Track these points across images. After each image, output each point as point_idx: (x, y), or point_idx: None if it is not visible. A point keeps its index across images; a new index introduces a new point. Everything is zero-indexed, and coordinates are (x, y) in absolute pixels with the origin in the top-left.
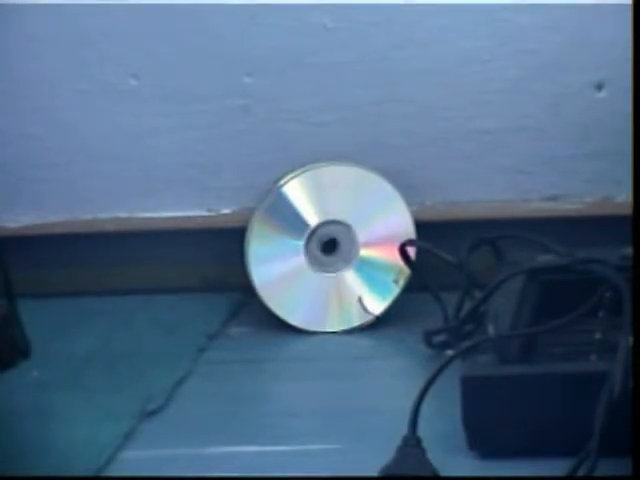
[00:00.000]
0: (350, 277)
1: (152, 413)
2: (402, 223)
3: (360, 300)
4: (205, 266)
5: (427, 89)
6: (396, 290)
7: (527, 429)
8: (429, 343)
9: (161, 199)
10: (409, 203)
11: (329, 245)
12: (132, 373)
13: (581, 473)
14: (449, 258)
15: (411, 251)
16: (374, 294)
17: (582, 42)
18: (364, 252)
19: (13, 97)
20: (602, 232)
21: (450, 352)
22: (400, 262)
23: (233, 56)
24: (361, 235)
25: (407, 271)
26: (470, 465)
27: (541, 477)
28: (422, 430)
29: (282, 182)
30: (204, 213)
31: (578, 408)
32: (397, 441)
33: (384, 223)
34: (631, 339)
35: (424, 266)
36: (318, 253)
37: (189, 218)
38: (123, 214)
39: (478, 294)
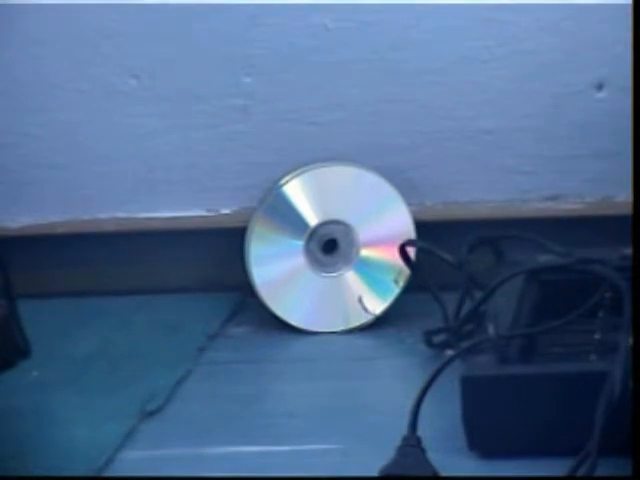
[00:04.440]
0: (350, 277)
1: (152, 413)
2: (402, 223)
3: (360, 300)
4: (205, 266)
5: (427, 89)
6: (396, 290)
7: (527, 429)
8: (429, 343)
9: (161, 199)
10: (409, 203)
11: (329, 245)
12: (132, 373)
13: (581, 473)
14: (449, 258)
15: (411, 251)
16: (374, 294)
17: (582, 42)
18: (364, 252)
19: (13, 97)
20: (602, 232)
21: (450, 352)
22: (400, 262)
23: (233, 56)
24: (361, 235)
25: (407, 271)
26: (470, 465)
27: (541, 477)
28: (422, 430)
29: (282, 182)
30: (204, 213)
31: (578, 408)
32: (397, 441)
33: (384, 223)
34: (631, 339)
35: (424, 266)
36: (318, 253)
37: (189, 218)
38: (123, 214)
39: (478, 294)
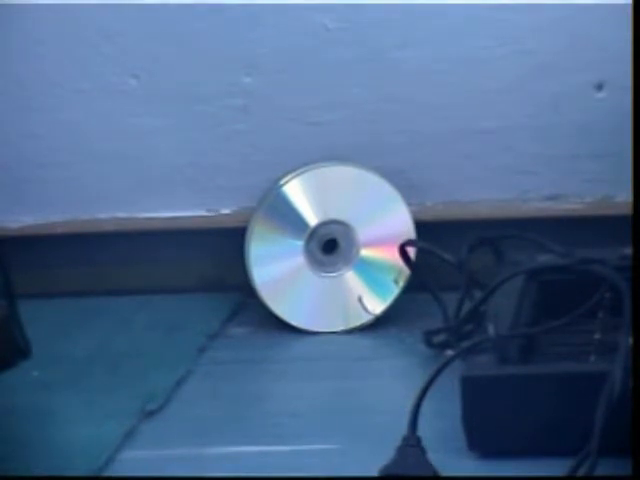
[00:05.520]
0: (350, 277)
1: (152, 413)
2: (402, 223)
3: (360, 300)
4: (205, 266)
5: (427, 89)
6: (396, 290)
7: (527, 429)
8: (429, 343)
9: (161, 199)
10: (409, 203)
11: (329, 245)
12: (132, 373)
13: (581, 473)
14: (449, 258)
15: (411, 251)
16: (374, 294)
17: (582, 42)
18: (364, 252)
19: (14, 97)
20: (602, 232)
21: (450, 352)
22: (400, 262)
23: (233, 56)
24: (361, 235)
25: (407, 271)
26: (470, 465)
27: (541, 477)
28: (422, 430)
29: (282, 182)
30: (204, 213)
31: (578, 408)
32: (397, 441)
33: (384, 223)
34: (631, 339)
35: (424, 266)
36: (318, 253)
37: (189, 218)
38: (123, 214)
39: (478, 294)
